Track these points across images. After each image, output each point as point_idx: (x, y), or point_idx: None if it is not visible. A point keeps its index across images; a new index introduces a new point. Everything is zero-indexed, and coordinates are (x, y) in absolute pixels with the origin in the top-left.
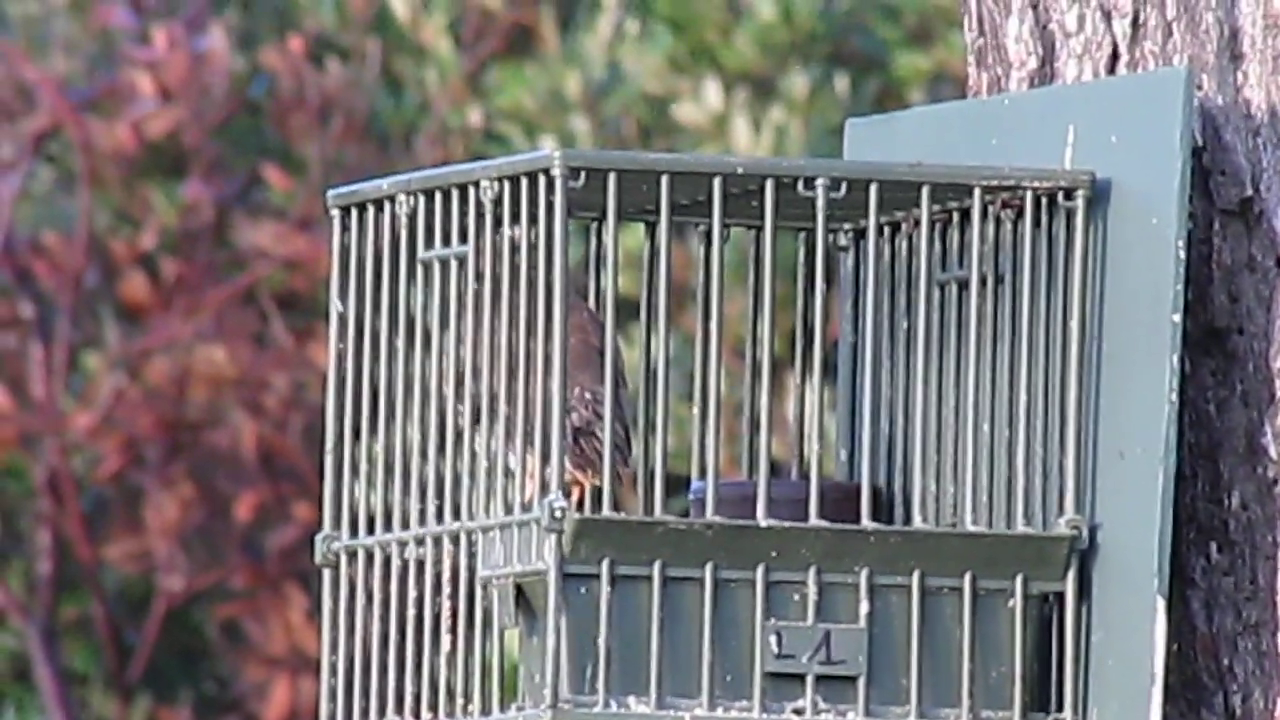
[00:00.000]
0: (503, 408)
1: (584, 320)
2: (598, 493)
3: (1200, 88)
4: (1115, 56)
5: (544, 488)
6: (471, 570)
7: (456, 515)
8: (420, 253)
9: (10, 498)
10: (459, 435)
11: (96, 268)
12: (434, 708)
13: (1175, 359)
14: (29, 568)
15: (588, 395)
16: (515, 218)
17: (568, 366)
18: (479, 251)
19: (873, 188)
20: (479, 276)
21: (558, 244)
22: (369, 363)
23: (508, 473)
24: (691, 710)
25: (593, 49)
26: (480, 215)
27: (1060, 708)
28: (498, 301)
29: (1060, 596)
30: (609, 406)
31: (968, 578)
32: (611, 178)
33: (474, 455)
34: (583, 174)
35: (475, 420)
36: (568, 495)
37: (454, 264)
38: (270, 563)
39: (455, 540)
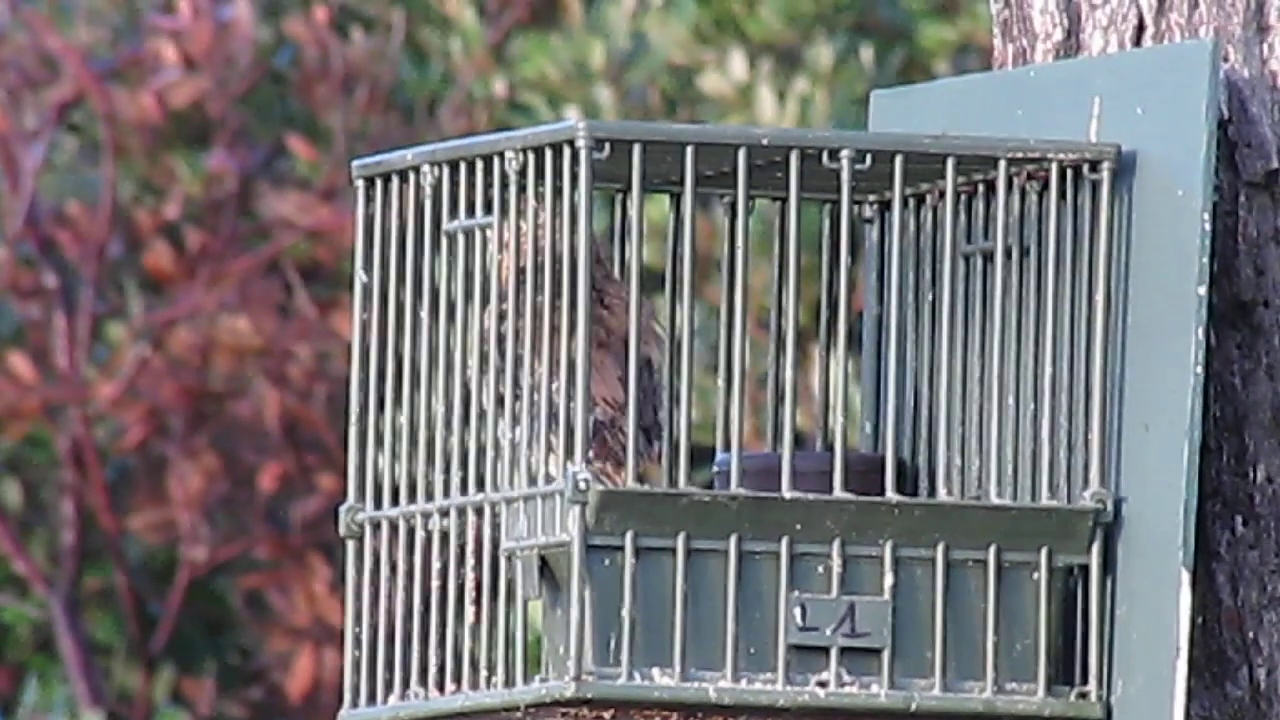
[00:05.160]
0: (527, 381)
1: (614, 298)
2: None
3: (1226, 59)
4: (1141, 28)
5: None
6: (495, 542)
7: (480, 487)
8: (445, 223)
9: (34, 468)
10: (483, 407)
11: (120, 238)
12: (457, 679)
13: (1200, 332)
14: (52, 538)
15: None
16: (540, 189)
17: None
18: (503, 222)
19: (898, 159)
20: (503, 247)
21: (582, 215)
22: (393, 333)
23: (531, 445)
24: (715, 682)
25: (617, 19)
26: (505, 186)
27: (1084, 681)
28: (522, 273)
29: (1085, 569)
30: (633, 392)
31: (992, 550)
32: (636, 149)
33: (498, 427)
34: (607, 145)
35: (499, 396)
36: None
37: (478, 235)
38: (294, 533)
39: (479, 512)
